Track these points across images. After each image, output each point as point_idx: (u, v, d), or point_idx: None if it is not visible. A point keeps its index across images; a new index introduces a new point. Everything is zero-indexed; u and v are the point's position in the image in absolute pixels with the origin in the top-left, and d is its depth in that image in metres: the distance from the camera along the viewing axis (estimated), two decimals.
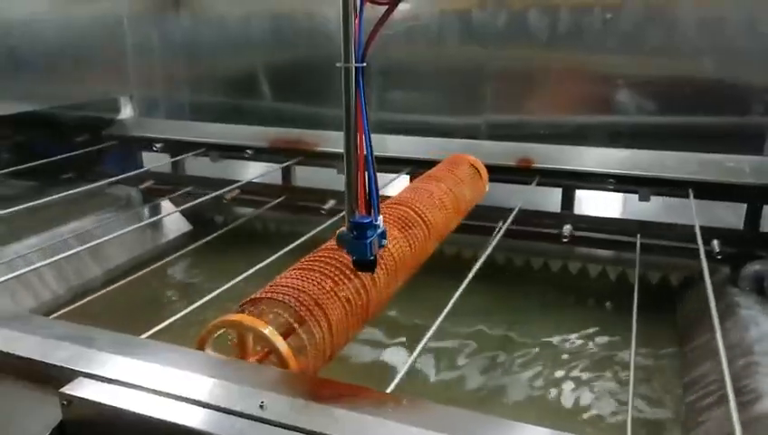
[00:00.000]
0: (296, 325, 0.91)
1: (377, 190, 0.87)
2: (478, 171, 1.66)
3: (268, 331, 0.86)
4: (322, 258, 1.03)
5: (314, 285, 0.96)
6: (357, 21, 0.80)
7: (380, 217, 0.89)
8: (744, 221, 1.84)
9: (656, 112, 2.06)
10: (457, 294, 1.24)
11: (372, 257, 0.89)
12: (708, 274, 1.41)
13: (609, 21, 2.05)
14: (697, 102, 2.00)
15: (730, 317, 1.62)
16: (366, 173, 0.86)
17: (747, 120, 1.94)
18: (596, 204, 2.05)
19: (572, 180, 1.95)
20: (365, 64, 0.82)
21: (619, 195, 2.03)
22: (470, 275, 1.31)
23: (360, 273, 1.00)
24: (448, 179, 1.52)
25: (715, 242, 1.79)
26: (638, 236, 1.89)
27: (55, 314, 1.10)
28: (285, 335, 0.89)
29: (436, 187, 1.45)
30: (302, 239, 1.59)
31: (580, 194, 2.01)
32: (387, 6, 0.84)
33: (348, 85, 0.82)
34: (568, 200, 2.00)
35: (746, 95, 1.93)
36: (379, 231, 0.89)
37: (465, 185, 1.56)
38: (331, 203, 2.16)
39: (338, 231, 0.90)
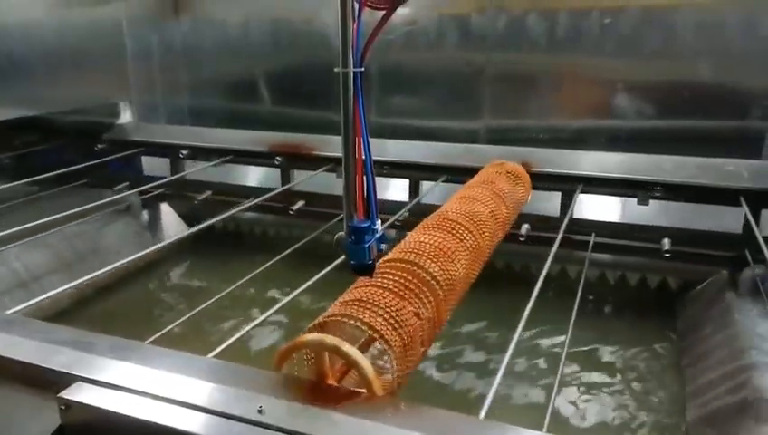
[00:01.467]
0: (379, 345, 0.86)
1: (375, 195, 0.87)
2: (522, 180, 1.65)
3: (353, 351, 0.80)
4: (388, 273, 0.98)
5: (389, 301, 0.91)
6: (355, 25, 0.80)
7: (378, 222, 0.89)
8: (742, 225, 1.84)
9: (654, 116, 2.06)
10: (529, 307, 1.19)
11: (370, 262, 0.89)
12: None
13: (607, 25, 2.05)
14: (696, 106, 2.00)
15: (728, 321, 1.62)
16: (364, 177, 0.86)
17: (746, 124, 1.94)
18: (593, 207, 2.05)
19: (569, 184, 1.95)
20: (363, 69, 0.82)
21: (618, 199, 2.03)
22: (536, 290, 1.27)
23: (428, 287, 0.98)
24: (499, 190, 1.48)
25: (666, 240, 1.84)
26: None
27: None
28: (366, 352, 0.85)
29: (489, 197, 1.41)
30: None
31: (580, 197, 2.01)
32: (385, 11, 0.84)
33: (346, 90, 0.82)
34: (567, 204, 2.00)
35: (745, 99, 1.93)
36: (378, 235, 0.88)
37: (513, 195, 1.54)
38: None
39: (336, 235, 0.90)
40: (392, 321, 0.87)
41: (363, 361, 0.80)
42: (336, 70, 0.82)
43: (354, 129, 0.84)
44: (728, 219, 1.85)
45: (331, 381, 0.83)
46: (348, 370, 0.85)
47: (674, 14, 1.96)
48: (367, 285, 0.96)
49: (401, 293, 0.94)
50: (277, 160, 2.31)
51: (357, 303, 0.90)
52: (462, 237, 1.18)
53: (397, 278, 0.97)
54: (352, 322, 0.85)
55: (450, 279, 1.04)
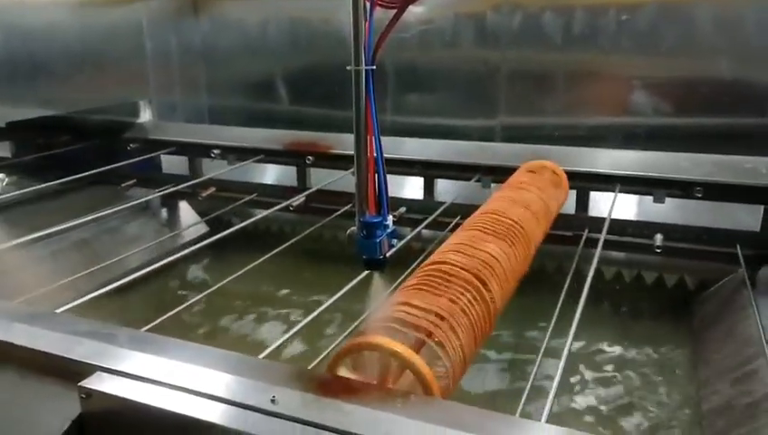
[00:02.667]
0: (434, 348, 0.86)
1: (386, 191, 0.89)
2: (561, 180, 1.65)
3: (410, 354, 0.80)
4: (436, 276, 0.97)
5: (442, 302, 0.91)
6: (367, 24, 0.82)
7: (390, 217, 0.91)
8: (761, 223, 1.82)
9: (672, 114, 2.05)
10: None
11: (382, 257, 0.90)
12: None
13: (624, 22, 2.04)
14: (714, 103, 1.98)
15: (746, 319, 1.60)
16: (376, 174, 0.88)
17: (765, 120, 1.92)
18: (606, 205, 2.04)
19: (587, 182, 1.94)
20: (374, 67, 0.83)
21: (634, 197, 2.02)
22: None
23: (479, 290, 0.97)
24: (542, 190, 1.48)
25: (658, 236, 1.84)
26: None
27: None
28: (419, 355, 0.84)
29: (533, 199, 1.40)
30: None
31: (595, 196, 2.00)
32: (396, 9, 0.86)
33: (358, 88, 0.84)
34: (583, 202, 1.99)
35: (764, 95, 1.91)
36: (389, 230, 0.91)
37: (555, 195, 1.54)
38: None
39: (348, 230, 0.92)
40: (443, 322, 0.87)
41: (422, 365, 0.79)
42: (348, 68, 0.83)
43: (366, 126, 0.85)
44: (745, 217, 1.83)
45: (386, 384, 0.83)
46: (400, 373, 0.84)
47: (691, 10, 1.94)
48: (411, 287, 0.95)
49: (451, 293, 0.93)
50: (308, 160, 2.32)
51: (407, 306, 0.89)
52: (518, 252, 1.17)
53: (453, 283, 0.95)
54: (405, 329, 0.85)
55: (501, 294, 1.04)
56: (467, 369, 0.93)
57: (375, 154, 0.88)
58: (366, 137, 0.87)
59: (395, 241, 0.93)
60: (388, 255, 0.93)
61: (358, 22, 0.82)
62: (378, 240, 0.89)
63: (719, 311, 1.79)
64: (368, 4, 0.82)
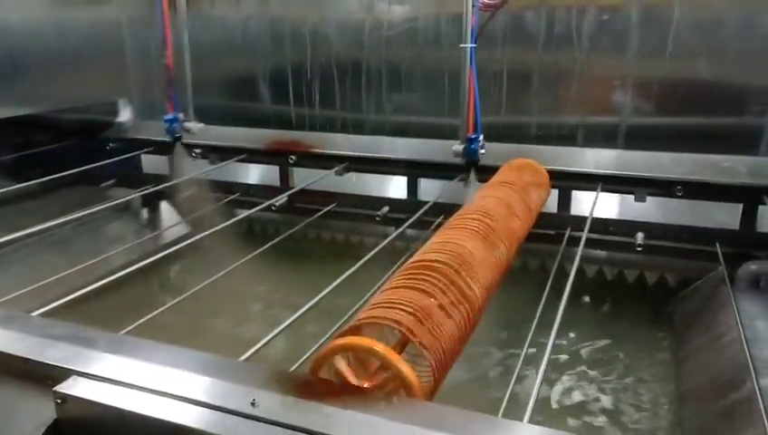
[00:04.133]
0: (417, 348, 0.85)
1: (480, 120, 1.88)
2: (543, 179, 1.66)
3: (392, 355, 0.80)
4: (419, 275, 0.97)
5: (425, 302, 0.91)
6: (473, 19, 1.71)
7: (481, 136, 1.93)
8: (740, 221, 1.84)
9: (652, 113, 2.06)
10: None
11: (477, 159, 1.93)
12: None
13: (605, 22, 2.06)
14: (693, 103, 2.00)
15: (726, 317, 1.62)
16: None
17: (743, 120, 1.94)
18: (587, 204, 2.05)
19: (569, 181, 1.95)
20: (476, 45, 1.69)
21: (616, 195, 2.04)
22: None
23: (462, 289, 0.98)
24: (524, 189, 1.50)
25: (639, 234, 1.87)
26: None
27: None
28: (402, 355, 0.84)
29: (515, 198, 1.42)
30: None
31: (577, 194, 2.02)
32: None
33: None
34: (565, 201, 2.00)
35: (742, 96, 1.93)
36: (480, 143, 1.93)
37: (537, 194, 1.55)
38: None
39: (453, 147, 1.91)
40: (427, 321, 0.87)
41: (404, 366, 0.79)
42: (461, 46, 1.72)
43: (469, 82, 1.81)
44: (723, 215, 1.86)
45: (366, 385, 0.82)
46: (383, 374, 0.83)
47: (671, 11, 1.96)
48: (394, 287, 0.95)
49: (433, 292, 0.93)
50: (291, 159, 2.32)
51: (391, 305, 0.89)
52: (499, 253, 1.18)
53: (435, 283, 0.96)
54: (388, 323, 0.85)
55: (483, 291, 1.04)
56: (451, 368, 0.93)
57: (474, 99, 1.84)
58: (469, 89, 1.81)
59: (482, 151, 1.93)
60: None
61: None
62: (475, 147, 1.90)
63: (699, 308, 1.81)
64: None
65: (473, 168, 1.99)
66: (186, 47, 2.41)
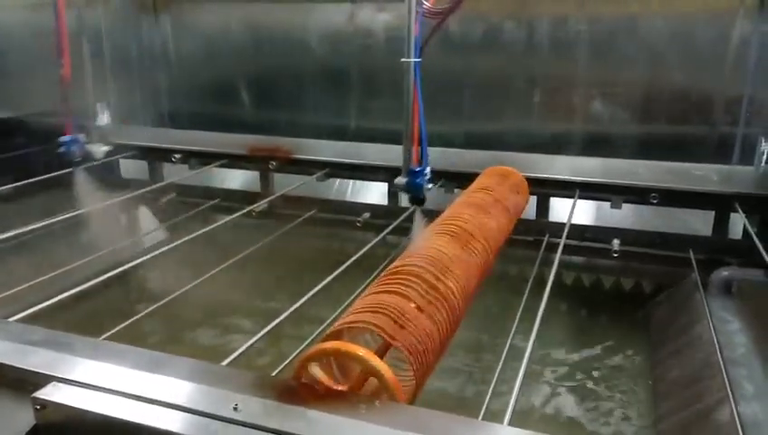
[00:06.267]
0: (399, 352, 0.86)
1: (426, 147, 1.45)
2: (521, 185, 1.68)
3: (374, 359, 0.80)
4: (399, 280, 0.98)
5: (406, 307, 0.92)
6: (416, 26, 1.38)
7: (428, 168, 1.47)
8: (712, 229, 1.88)
9: (628, 122, 2.11)
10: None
11: (422, 196, 1.49)
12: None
13: (582, 32, 2.10)
14: (668, 113, 2.05)
15: (699, 322, 1.66)
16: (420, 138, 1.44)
17: (716, 130, 1.99)
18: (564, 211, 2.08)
19: (547, 188, 1.98)
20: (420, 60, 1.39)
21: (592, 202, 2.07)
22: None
23: (442, 293, 0.99)
24: (503, 196, 1.52)
25: (615, 241, 1.90)
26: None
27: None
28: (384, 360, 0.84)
29: (494, 204, 1.44)
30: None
31: (555, 202, 2.04)
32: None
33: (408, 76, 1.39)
34: (543, 208, 2.03)
35: (712, 106, 1.98)
36: (427, 177, 1.48)
37: (516, 201, 1.57)
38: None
39: (395, 180, 1.47)
40: (410, 327, 0.88)
41: (386, 370, 0.80)
42: (402, 60, 1.37)
43: (413, 103, 1.41)
44: (696, 223, 1.90)
45: (347, 389, 0.83)
46: (365, 378, 0.85)
47: (646, 23, 2.01)
48: (375, 292, 0.96)
49: (415, 298, 0.94)
50: (271, 165, 2.31)
51: (372, 309, 0.89)
52: (477, 253, 1.19)
53: (415, 287, 0.97)
54: (369, 327, 0.86)
55: (462, 293, 1.05)
56: (432, 372, 0.94)
57: (419, 124, 1.42)
58: (413, 111, 1.40)
59: (430, 185, 1.48)
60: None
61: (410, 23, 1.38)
62: (420, 181, 1.45)
63: (673, 313, 1.85)
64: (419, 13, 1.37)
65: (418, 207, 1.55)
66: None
